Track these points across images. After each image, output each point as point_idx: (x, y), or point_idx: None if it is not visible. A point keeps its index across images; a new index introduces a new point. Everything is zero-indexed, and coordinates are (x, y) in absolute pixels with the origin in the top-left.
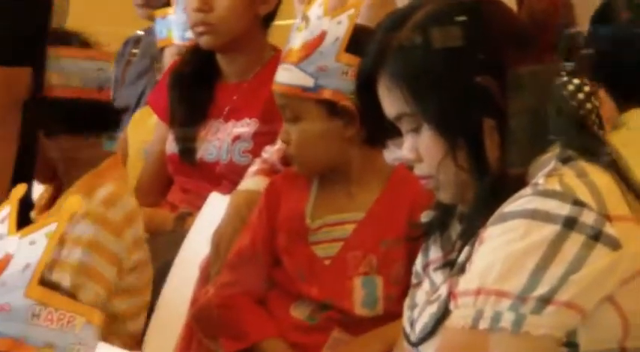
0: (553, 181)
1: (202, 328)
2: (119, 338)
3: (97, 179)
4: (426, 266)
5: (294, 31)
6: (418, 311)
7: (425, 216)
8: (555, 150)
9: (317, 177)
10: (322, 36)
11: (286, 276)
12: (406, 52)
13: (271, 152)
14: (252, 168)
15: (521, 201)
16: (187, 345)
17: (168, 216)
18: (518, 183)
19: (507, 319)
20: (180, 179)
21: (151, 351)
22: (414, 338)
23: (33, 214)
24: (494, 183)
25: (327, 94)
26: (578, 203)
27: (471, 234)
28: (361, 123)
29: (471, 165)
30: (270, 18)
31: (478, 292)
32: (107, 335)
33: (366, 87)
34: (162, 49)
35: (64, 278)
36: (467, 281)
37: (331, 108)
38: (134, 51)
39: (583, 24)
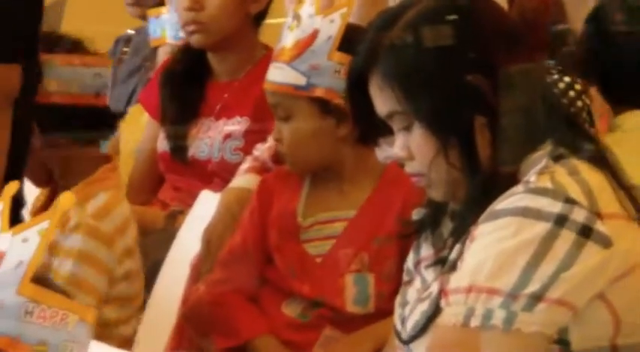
0: (544, 179)
1: (194, 326)
2: (111, 341)
3: (91, 188)
4: (417, 264)
5: (285, 30)
6: (409, 309)
7: (416, 214)
8: (547, 148)
9: (309, 175)
10: (314, 34)
11: (278, 274)
12: (397, 50)
13: (262, 150)
14: (244, 166)
15: (513, 198)
16: (179, 343)
17: (160, 214)
18: (510, 180)
19: (498, 316)
20: (171, 177)
21: (142, 349)
22: (405, 335)
23: (28, 215)
24: (486, 180)
25: (319, 93)
26: (569, 201)
27: (462, 232)
28: (353, 121)
29: (462, 163)
30: (261, 16)
31: (469, 290)
32: (99, 339)
33: (357, 85)
34: (155, 49)
35: None
36: (458, 279)
37: (323, 106)
38: (125, 50)
39: (574, 23)
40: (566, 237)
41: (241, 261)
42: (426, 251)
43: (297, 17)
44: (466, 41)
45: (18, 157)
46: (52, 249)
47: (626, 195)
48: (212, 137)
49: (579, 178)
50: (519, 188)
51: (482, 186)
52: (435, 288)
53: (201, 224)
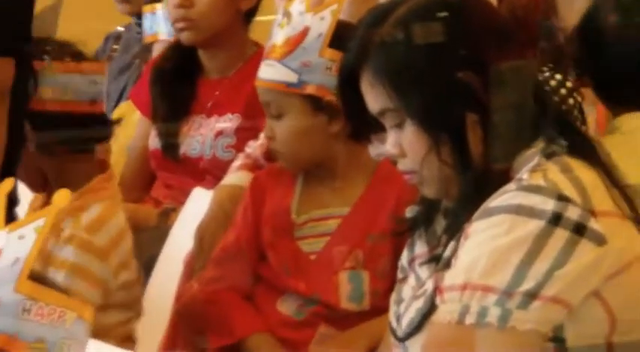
0: (537, 176)
1: (187, 324)
2: (110, 341)
3: (86, 198)
4: (411, 261)
5: (276, 27)
6: (404, 306)
7: (410, 211)
8: (539, 146)
9: (302, 172)
10: (305, 32)
11: (272, 272)
12: (388, 47)
13: (254, 147)
14: (236, 163)
15: (506, 196)
16: (173, 340)
17: (152, 212)
18: (503, 178)
19: (493, 314)
20: (163, 175)
21: (137, 346)
22: (400, 333)
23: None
24: (478, 178)
25: (311, 90)
26: (562, 198)
27: (456, 229)
28: (345, 118)
29: (454, 160)
30: (251, 14)
31: (464, 287)
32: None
33: (348, 83)
34: (146, 45)
35: None
36: (453, 277)
37: (315, 103)
38: (115, 47)
39: (565, 19)
40: (560, 235)
41: (235, 258)
42: (420, 248)
43: (287, 14)
44: (457, 38)
45: (12, 152)
46: (46, 258)
47: (619, 193)
48: (204, 134)
49: (572, 176)
50: (512, 185)
51: (475, 184)
52: (429, 286)
53: (193, 221)
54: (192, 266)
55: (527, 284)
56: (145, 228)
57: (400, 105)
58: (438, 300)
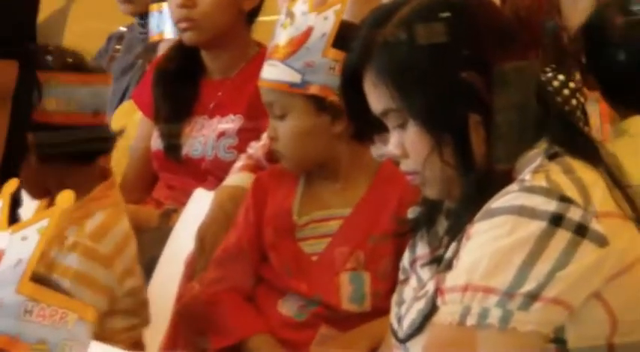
0: (539, 177)
1: (188, 324)
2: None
3: (89, 206)
4: (413, 263)
5: (278, 28)
6: (406, 308)
7: (411, 212)
8: (542, 146)
9: (304, 173)
10: (308, 32)
11: (273, 273)
12: (391, 47)
13: (256, 148)
14: (238, 164)
15: (508, 197)
16: (174, 341)
17: (154, 213)
18: (505, 178)
19: (495, 315)
20: (165, 175)
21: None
22: (401, 334)
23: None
24: (481, 178)
25: (314, 90)
26: (564, 199)
27: (457, 230)
28: (348, 118)
29: (456, 160)
30: (254, 14)
31: (465, 288)
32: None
33: (351, 83)
34: (150, 45)
35: None
36: (454, 278)
37: (319, 103)
38: (117, 47)
39: (569, 20)
40: (562, 236)
41: (236, 259)
42: (422, 249)
43: (290, 15)
44: (460, 38)
45: (13, 165)
46: (50, 266)
47: (621, 194)
48: (206, 135)
49: (574, 177)
50: (514, 186)
51: (477, 184)
52: (431, 287)
53: (195, 222)
54: (194, 267)
55: (529, 286)
56: (146, 229)
57: (403, 106)
58: (439, 301)
